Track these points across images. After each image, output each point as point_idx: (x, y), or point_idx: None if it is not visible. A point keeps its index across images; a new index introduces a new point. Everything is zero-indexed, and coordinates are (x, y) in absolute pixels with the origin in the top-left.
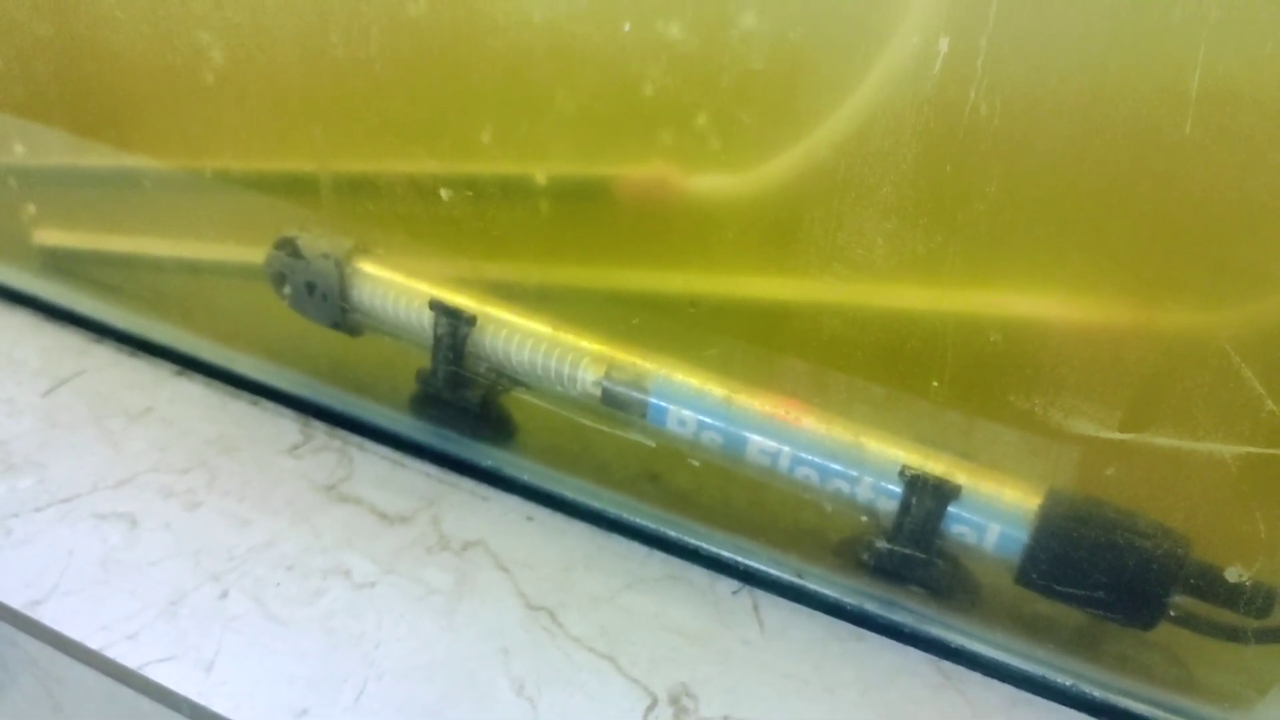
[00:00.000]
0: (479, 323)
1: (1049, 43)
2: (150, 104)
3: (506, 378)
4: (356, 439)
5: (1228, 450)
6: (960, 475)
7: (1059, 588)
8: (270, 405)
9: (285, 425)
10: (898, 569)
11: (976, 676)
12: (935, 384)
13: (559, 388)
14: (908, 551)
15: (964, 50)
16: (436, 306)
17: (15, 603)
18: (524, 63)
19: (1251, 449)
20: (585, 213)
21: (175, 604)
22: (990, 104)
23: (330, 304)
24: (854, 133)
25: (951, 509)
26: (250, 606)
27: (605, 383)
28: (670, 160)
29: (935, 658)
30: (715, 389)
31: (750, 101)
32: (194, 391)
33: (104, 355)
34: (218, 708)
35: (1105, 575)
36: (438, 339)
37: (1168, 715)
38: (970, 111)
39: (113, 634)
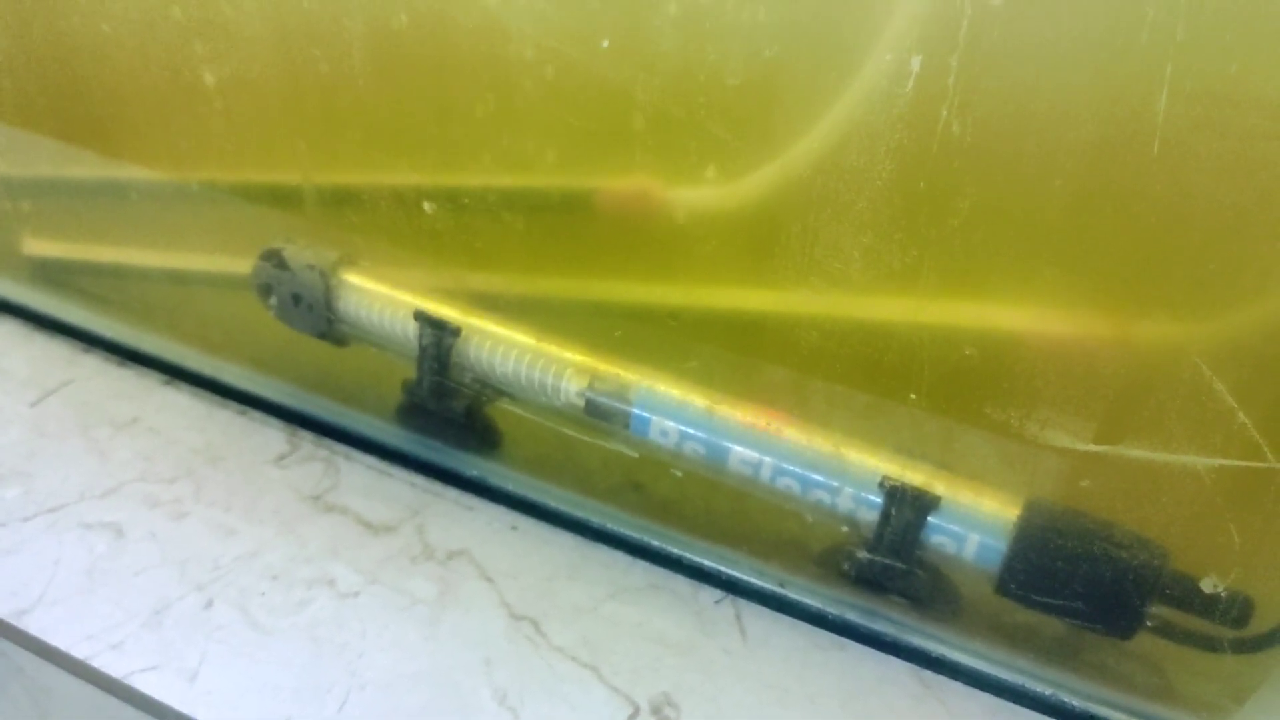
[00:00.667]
0: (464, 334)
1: (1019, 61)
2: (137, 116)
3: (491, 388)
4: (343, 449)
5: (1201, 462)
6: (939, 486)
7: (1038, 597)
8: (257, 415)
9: (272, 435)
10: (879, 579)
11: (957, 686)
12: (913, 396)
13: (543, 398)
14: (888, 561)
15: (936, 69)
16: (421, 317)
17: (1, 612)
18: (506, 77)
19: (1224, 461)
20: (567, 225)
21: (160, 613)
22: (962, 121)
23: (316, 315)
24: (830, 149)
25: (931, 519)
26: (235, 616)
27: (588, 393)
28: (651, 174)
29: (916, 667)
30: (697, 400)
31: (728, 117)
32: (181, 401)
33: (92, 365)
34: (201, 717)
35: (1083, 585)
36: (423, 350)
37: None
38: (943, 129)
39: (98, 643)
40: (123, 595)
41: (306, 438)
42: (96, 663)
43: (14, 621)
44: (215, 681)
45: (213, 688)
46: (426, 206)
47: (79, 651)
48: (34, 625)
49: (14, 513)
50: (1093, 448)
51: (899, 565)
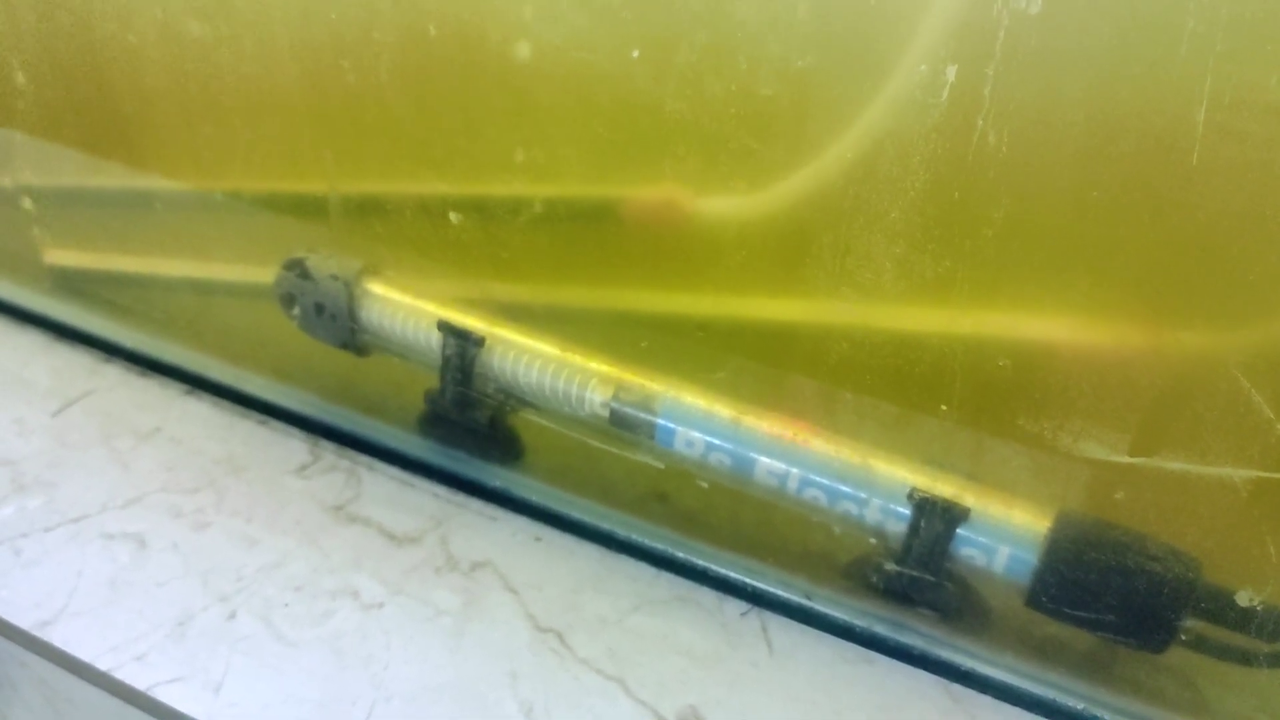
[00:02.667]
0: (487, 343)
1: (1056, 71)
2: (161, 125)
3: (514, 398)
4: (365, 459)
5: (1238, 474)
6: (969, 497)
7: (1069, 611)
8: (279, 425)
9: (294, 445)
10: (907, 591)
11: (987, 700)
12: (944, 407)
13: (567, 408)
14: (917, 574)
15: (972, 79)
16: (445, 327)
17: (24, 623)
18: (533, 86)
19: (1261, 473)
20: (593, 234)
21: (183, 625)
22: (998, 132)
23: (339, 324)
24: (862, 159)
25: (960, 531)
26: (259, 627)
27: (613, 404)
28: (679, 183)
29: (945, 681)
30: (723, 410)
31: (759, 127)
32: (203, 411)
33: (113, 375)
34: None
35: (1116, 598)
36: (446, 359)
37: None
38: (978, 139)
39: (121, 655)
40: (146, 606)
41: (328, 448)
42: (120, 674)
43: (37, 633)
44: (240, 693)
45: (237, 699)
46: (452, 216)
47: (102, 663)
48: (57, 636)
49: (36, 523)
50: (1127, 459)
51: (928, 577)
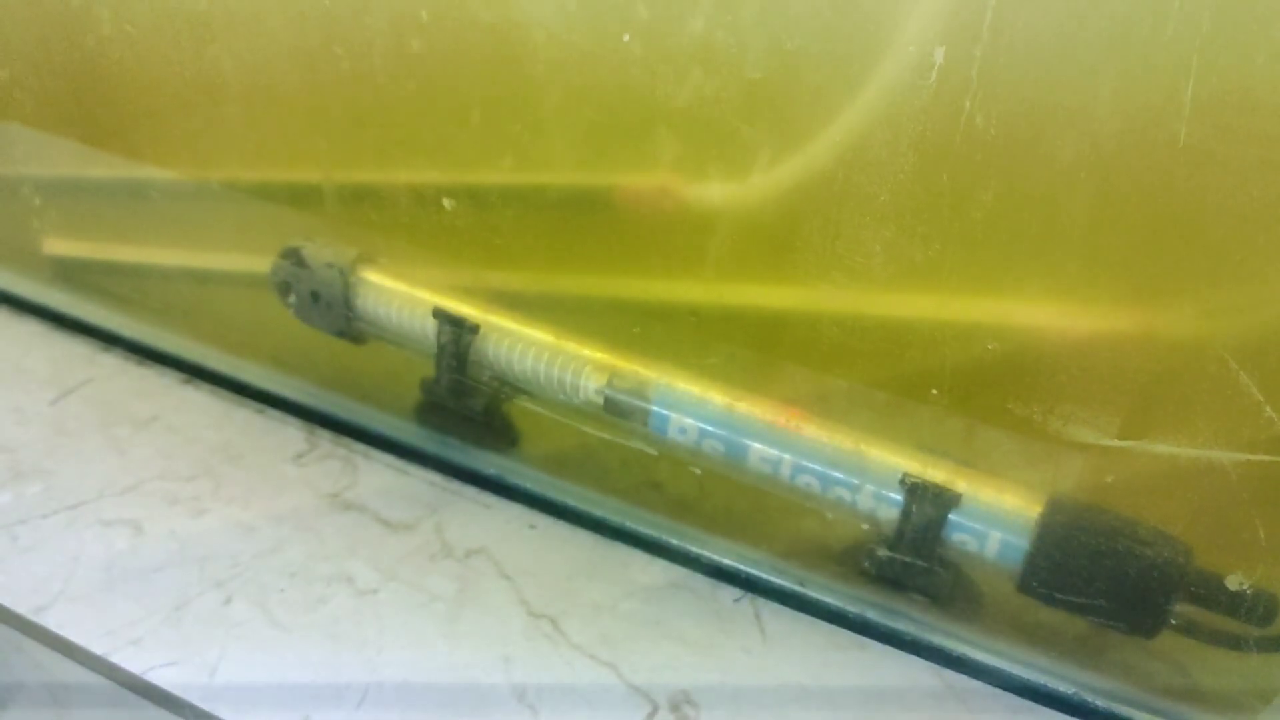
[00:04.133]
0: (482, 331)
1: (1044, 53)
2: (158, 116)
3: (509, 386)
4: (361, 447)
5: (1227, 457)
6: (961, 483)
7: (1060, 596)
8: (275, 413)
9: (290, 433)
10: (899, 577)
11: (979, 685)
12: (934, 392)
13: (561, 396)
14: (909, 559)
15: (959, 61)
16: (440, 315)
17: (21, 608)
18: (526, 72)
19: (1251, 456)
20: (587, 222)
21: (179, 610)
22: (986, 114)
23: (335, 313)
24: (852, 143)
25: (952, 517)
26: (254, 613)
27: (607, 391)
28: (671, 169)
29: (937, 666)
30: (717, 397)
31: (749, 111)
32: (200, 400)
33: (112, 364)
34: (221, 713)
35: (1107, 583)
36: (441, 347)
37: None
38: (966, 121)
39: (117, 639)
40: (142, 592)
41: (325, 436)
42: (115, 658)
43: (33, 617)
44: (234, 677)
45: (232, 684)
46: (446, 203)
47: (98, 647)
48: (53, 621)
49: (34, 510)
50: (1116, 443)
51: (920, 563)
